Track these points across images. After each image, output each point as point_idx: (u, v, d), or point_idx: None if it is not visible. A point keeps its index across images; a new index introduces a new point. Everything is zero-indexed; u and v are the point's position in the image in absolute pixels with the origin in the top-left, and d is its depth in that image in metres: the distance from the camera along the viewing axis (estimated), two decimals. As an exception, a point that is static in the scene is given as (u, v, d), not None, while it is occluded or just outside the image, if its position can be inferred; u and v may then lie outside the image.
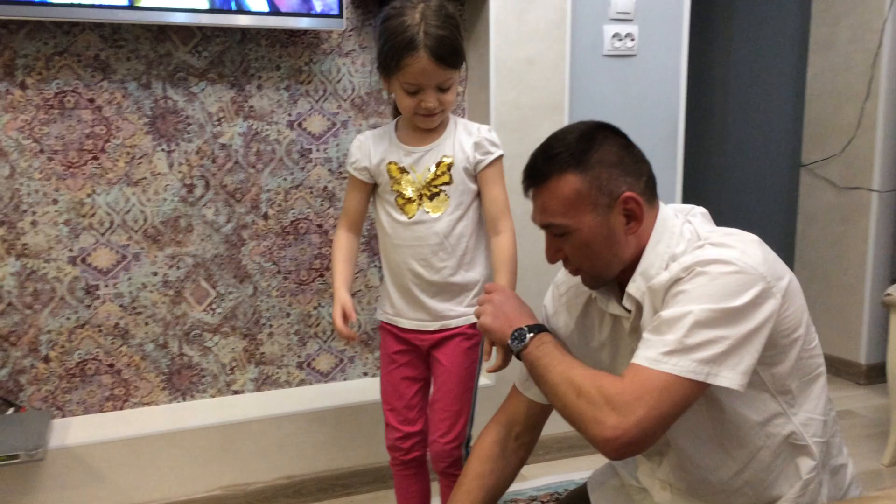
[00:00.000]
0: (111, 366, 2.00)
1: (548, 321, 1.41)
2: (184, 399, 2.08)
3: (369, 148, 1.57)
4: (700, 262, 1.14)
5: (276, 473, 2.03)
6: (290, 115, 2.08)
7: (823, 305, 3.01)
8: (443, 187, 1.53)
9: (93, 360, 1.98)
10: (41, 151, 1.88)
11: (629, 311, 1.24)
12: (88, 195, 1.92)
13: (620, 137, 1.26)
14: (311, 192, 2.13)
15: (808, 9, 3.10)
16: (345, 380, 2.25)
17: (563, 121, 2.22)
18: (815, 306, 3.02)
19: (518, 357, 1.26)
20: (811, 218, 3.08)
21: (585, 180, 1.20)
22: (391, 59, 1.43)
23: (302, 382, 2.20)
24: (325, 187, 2.14)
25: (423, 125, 1.52)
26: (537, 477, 2.17)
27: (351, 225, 1.63)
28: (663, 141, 2.43)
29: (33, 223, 1.89)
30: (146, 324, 2.02)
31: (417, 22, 1.41)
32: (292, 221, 2.12)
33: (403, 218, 1.54)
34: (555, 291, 1.40)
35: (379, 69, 1.50)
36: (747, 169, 3.99)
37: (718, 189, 4.20)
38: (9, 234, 1.87)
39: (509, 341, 1.27)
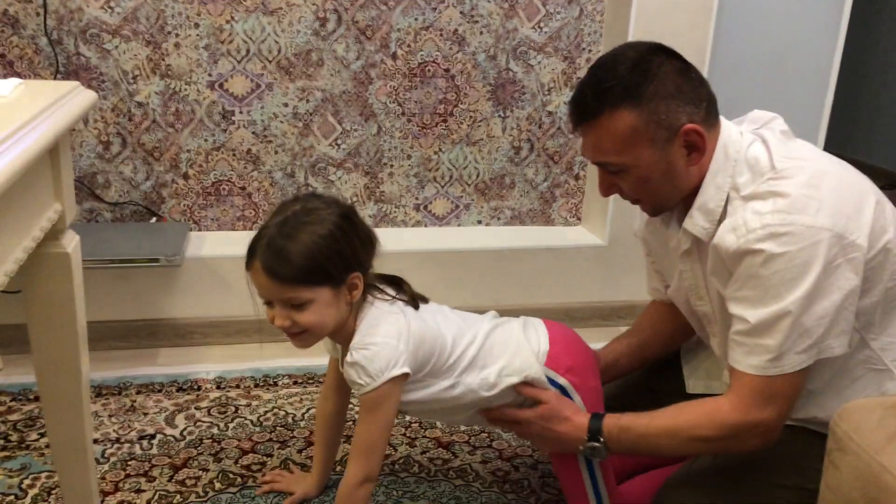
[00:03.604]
0: (243, 188, 2.13)
1: (636, 228, 1.42)
2: (307, 227, 2.21)
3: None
4: (770, 235, 1.06)
5: (386, 305, 2.14)
6: (426, -49, 2.03)
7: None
8: None
9: (227, 181, 2.12)
10: (185, -26, 1.93)
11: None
12: (227, 21, 1.98)
13: (676, 60, 1.14)
14: (441, 35, 2.10)
15: None
16: (459, 225, 2.30)
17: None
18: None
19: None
20: None
21: (642, 115, 1.10)
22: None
23: (418, 224, 2.28)
24: (456, 30, 2.10)
25: (293, 344, 1.23)
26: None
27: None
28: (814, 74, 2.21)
29: (176, 45, 1.97)
30: (276, 152, 2.11)
31: (274, 223, 1.16)
32: (420, 63, 2.12)
33: None
34: None
35: None
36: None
37: (869, 125, 3.81)
38: (154, 54, 1.97)
39: (589, 457, 1.27)
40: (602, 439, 1.23)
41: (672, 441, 1.19)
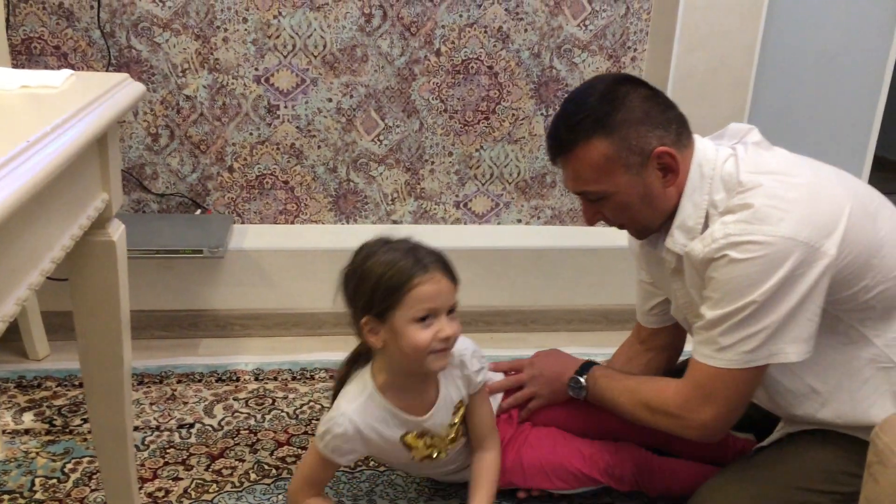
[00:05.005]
0: (286, 182, 2.15)
1: (630, 253, 1.46)
2: (347, 222, 2.22)
3: (360, 438, 1.25)
4: (731, 244, 1.09)
5: (424, 301, 2.15)
6: (472, -52, 2.03)
7: None
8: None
9: (270, 175, 2.14)
10: (234, -30, 1.96)
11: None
12: (275, 17, 2.00)
13: (643, 88, 1.18)
14: (486, 32, 2.09)
15: None
16: (498, 224, 2.30)
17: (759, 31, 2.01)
18: None
19: (586, 400, 1.37)
20: None
21: (614, 143, 1.15)
22: (391, 291, 1.16)
23: (457, 221, 2.28)
24: (500, 28, 2.09)
25: (437, 366, 1.21)
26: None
27: (319, 491, 1.32)
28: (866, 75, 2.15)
29: (225, 39, 2.00)
30: (319, 147, 2.13)
31: (412, 246, 1.21)
32: (463, 60, 2.11)
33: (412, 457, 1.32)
34: None
35: (362, 314, 1.20)
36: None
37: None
38: (203, 48, 2.00)
39: (571, 394, 1.37)
40: (585, 378, 1.35)
41: (628, 400, 1.28)
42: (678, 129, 1.19)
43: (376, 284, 1.19)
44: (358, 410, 1.24)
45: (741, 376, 1.12)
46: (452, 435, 1.32)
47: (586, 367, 1.36)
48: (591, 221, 1.25)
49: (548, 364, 1.42)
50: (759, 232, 1.07)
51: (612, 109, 1.15)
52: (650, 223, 1.23)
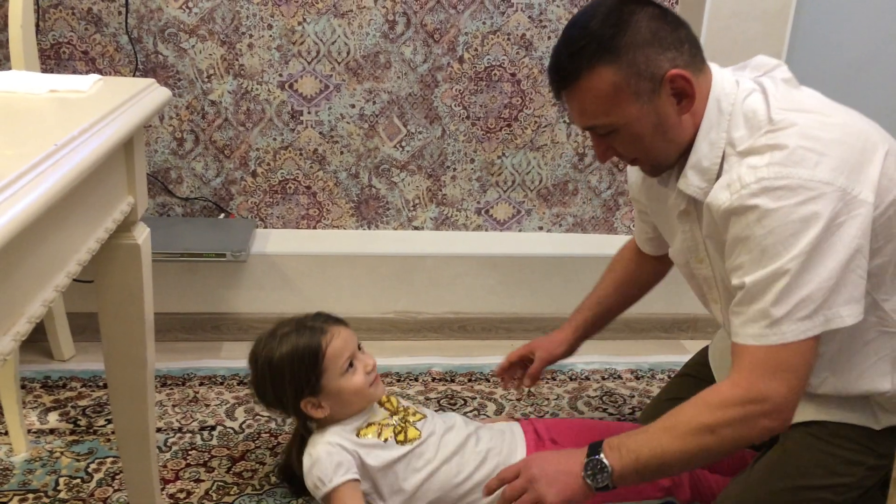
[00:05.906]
0: (308, 188, 2.17)
1: (630, 188, 1.38)
2: (369, 227, 2.23)
3: (350, 462, 1.31)
4: (764, 189, 0.98)
5: (444, 307, 2.15)
6: (496, -45, 2.03)
7: None
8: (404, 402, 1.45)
9: (293, 180, 2.15)
10: (260, -23, 1.98)
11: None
12: (299, 23, 2.02)
13: (650, 7, 1.07)
14: (509, 39, 2.10)
15: None
16: (520, 231, 2.29)
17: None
18: None
19: (616, 486, 1.09)
20: None
21: (621, 69, 1.04)
22: (310, 366, 1.30)
23: (478, 228, 2.28)
24: (524, 35, 2.09)
25: (379, 393, 1.38)
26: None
27: None
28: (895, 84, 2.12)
29: (250, 45, 2.02)
30: (341, 153, 2.14)
31: (296, 327, 1.35)
32: (486, 67, 2.12)
33: (397, 451, 1.33)
34: None
35: (297, 401, 1.33)
36: None
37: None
38: (228, 54, 2.02)
39: (589, 482, 1.09)
40: (602, 454, 1.09)
41: (674, 439, 1.04)
42: (692, 49, 1.08)
43: (293, 371, 1.31)
44: (331, 452, 1.30)
45: (803, 347, 1.00)
46: (393, 405, 1.41)
47: (595, 446, 1.11)
48: (602, 158, 1.16)
49: (546, 462, 1.14)
50: (796, 175, 0.98)
51: (617, 32, 1.04)
52: (665, 157, 1.13)
